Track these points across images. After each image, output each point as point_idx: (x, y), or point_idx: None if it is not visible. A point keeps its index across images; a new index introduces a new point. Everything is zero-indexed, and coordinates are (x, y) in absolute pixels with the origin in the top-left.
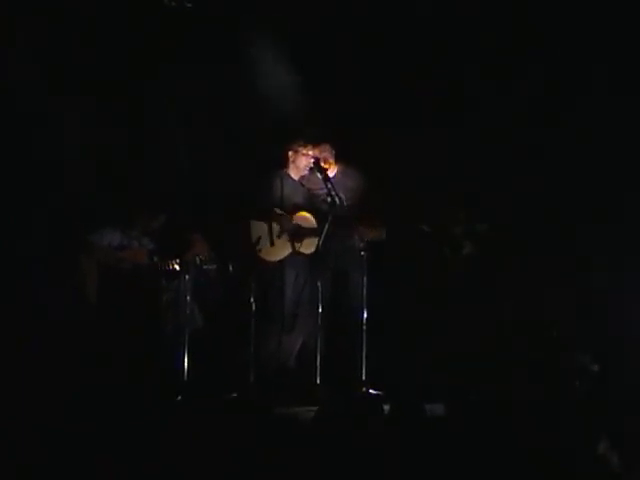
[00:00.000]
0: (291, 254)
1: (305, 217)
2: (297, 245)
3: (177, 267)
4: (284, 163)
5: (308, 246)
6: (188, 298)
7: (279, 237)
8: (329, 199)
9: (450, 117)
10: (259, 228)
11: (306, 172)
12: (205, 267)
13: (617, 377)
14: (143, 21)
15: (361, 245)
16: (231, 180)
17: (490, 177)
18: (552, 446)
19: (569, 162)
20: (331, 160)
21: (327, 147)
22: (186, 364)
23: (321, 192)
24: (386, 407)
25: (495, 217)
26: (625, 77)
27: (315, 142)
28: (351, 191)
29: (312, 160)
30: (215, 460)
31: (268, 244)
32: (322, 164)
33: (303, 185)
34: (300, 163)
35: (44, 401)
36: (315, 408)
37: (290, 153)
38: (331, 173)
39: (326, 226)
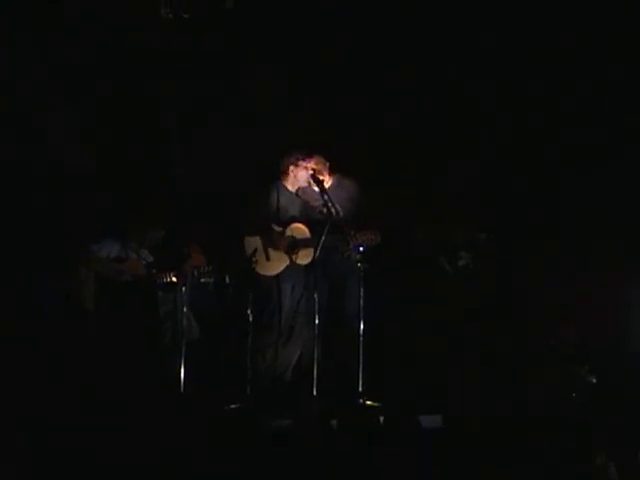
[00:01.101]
0: (287, 267)
1: (299, 228)
2: (294, 257)
3: (174, 279)
4: (281, 175)
5: (304, 257)
6: (185, 309)
7: (275, 250)
8: (325, 210)
9: (450, 120)
10: (254, 241)
11: (305, 184)
12: (202, 279)
13: (615, 389)
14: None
15: (357, 256)
16: (228, 192)
17: (490, 183)
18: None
19: (569, 163)
20: (325, 172)
21: (321, 159)
22: (183, 375)
23: (317, 203)
24: (382, 418)
25: (494, 224)
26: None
27: (310, 154)
28: (346, 201)
29: (310, 172)
30: (215, 460)
31: (264, 259)
32: (318, 176)
33: (299, 197)
34: (300, 176)
35: (44, 402)
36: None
37: (291, 167)
38: (326, 184)
39: (322, 237)
